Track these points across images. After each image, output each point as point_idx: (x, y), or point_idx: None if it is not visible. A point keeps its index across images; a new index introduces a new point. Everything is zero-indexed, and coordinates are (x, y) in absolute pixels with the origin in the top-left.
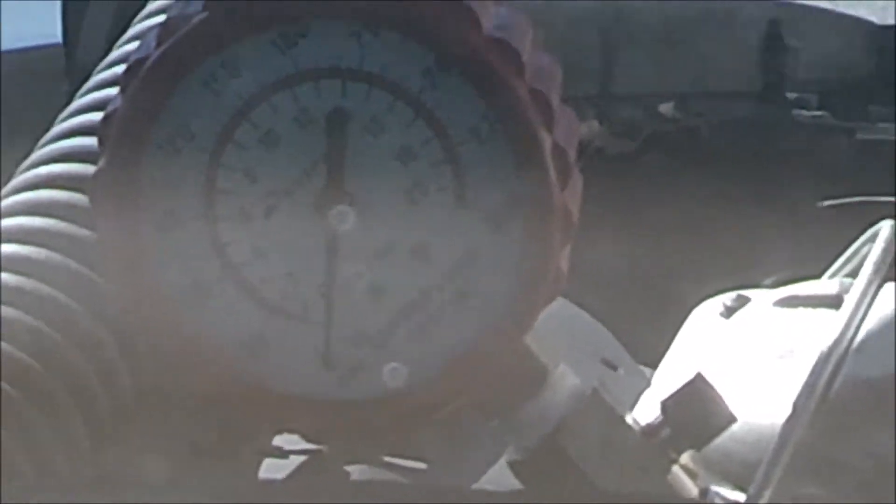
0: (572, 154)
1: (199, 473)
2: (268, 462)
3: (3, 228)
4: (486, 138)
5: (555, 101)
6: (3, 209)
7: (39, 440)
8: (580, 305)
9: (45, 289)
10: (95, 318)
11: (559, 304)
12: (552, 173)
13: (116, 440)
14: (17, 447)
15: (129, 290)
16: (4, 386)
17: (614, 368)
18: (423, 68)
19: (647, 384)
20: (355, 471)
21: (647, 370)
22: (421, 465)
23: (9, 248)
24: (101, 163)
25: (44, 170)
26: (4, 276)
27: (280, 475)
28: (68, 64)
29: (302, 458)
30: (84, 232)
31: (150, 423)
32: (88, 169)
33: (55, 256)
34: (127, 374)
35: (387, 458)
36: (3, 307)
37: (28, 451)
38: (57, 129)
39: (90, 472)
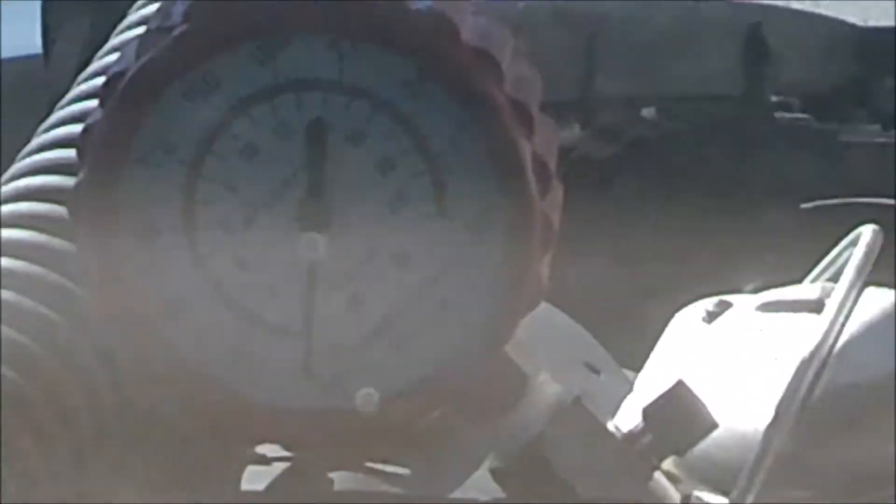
0: (552, 163)
1: (181, 484)
2: (250, 470)
3: None
4: (465, 148)
5: (534, 110)
6: None
7: (21, 457)
8: (562, 310)
9: (25, 301)
10: (77, 330)
11: (542, 307)
12: (532, 183)
13: (98, 455)
14: None
15: (109, 302)
16: None
17: (597, 372)
18: (403, 79)
19: (630, 388)
20: (338, 478)
21: (629, 373)
22: (404, 472)
23: None
24: (81, 175)
25: (23, 182)
26: None
27: (262, 484)
28: (48, 75)
29: (284, 465)
30: (65, 244)
31: (132, 436)
32: (69, 181)
33: (36, 268)
34: (108, 387)
35: (369, 465)
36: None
37: (9, 467)
38: (37, 141)
39: (72, 489)
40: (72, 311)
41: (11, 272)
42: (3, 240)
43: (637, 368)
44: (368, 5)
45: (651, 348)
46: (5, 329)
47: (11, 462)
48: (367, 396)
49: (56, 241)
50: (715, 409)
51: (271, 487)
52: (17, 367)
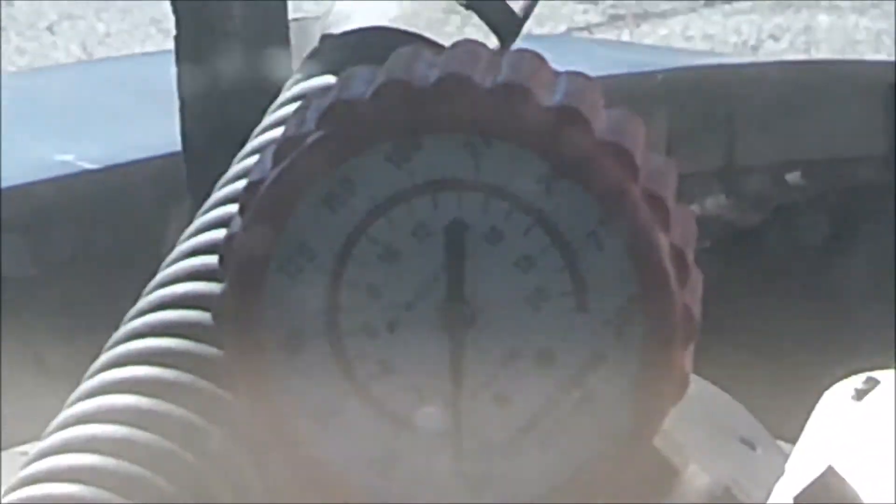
0: (690, 253)
1: None
2: None
3: (131, 352)
4: (603, 243)
5: (670, 201)
6: (131, 330)
7: None
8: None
9: (176, 409)
10: (228, 436)
11: (693, 381)
12: (671, 274)
13: None
14: None
15: (257, 412)
16: None
17: (752, 447)
18: (538, 176)
19: (784, 462)
20: None
21: (785, 446)
22: None
23: (139, 371)
24: (224, 285)
25: (169, 290)
26: (134, 398)
27: None
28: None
29: None
30: (213, 351)
31: None
32: (215, 288)
33: (185, 376)
34: (261, 493)
35: None
36: (135, 430)
37: None
38: (181, 247)
39: None
40: (224, 419)
41: (160, 380)
42: (151, 348)
43: (790, 441)
44: (499, 103)
45: (799, 424)
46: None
47: None
48: None
49: (204, 348)
50: (867, 492)
51: None
52: (171, 477)
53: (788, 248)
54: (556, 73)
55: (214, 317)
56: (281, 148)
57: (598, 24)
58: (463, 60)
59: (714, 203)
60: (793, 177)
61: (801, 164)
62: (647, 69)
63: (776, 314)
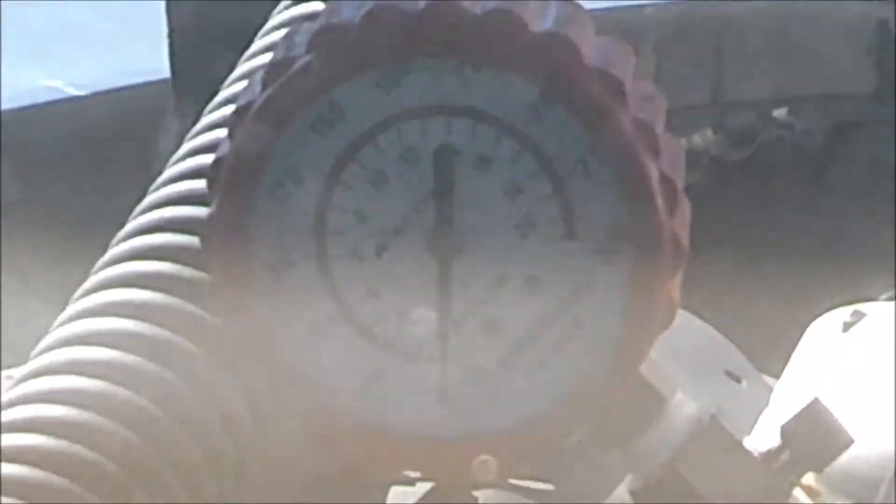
0: (679, 182)
1: None
2: (395, 490)
3: (118, 275)
4: (592, 170)
5: (659, 129)
6: (119, 254)
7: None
8: (699, 316)
9: (162, 332)
10: (213, 360)
11: (680, 315)
12: (659, 202)
13: (238, 481)
14: None
15: (243, 335)
16: (111, 464)
17: (738, 380)
18: (527, 102)
19: (769, 396)
20: (483, 495)
21: (768, 379)
22: (548, 487)
23: (125, 294)
24: (213, 208)
25: (157, 213)
26: (120, 321)
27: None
28: (177, 101)
29: (428, 485)
30: (199, 275)
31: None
32: (201, 212)
33: (172, 300)
34: (249, 413)
35: (513, 481)
36: (121, 353)
37: None
38: (169, 172)
39: None
40: (209, 341)
41: (147, 304)
42: (136, 273)
43: (774, 375)
44: (489, 29)
45: (785, 356)
46: (143, 361)
47: None
48: (483, 464)
49: (191, 272)
50: (853, 422)
51: None
52: (153, 397)
53: (773, 184)
54: (546, 1)
55: (202, 240)
56: (270, 72)
57: None
58: None
59: (700, 138)
60: (780, 113)
61: (788, 101)
62: (635, 3)
63: (761, 248)
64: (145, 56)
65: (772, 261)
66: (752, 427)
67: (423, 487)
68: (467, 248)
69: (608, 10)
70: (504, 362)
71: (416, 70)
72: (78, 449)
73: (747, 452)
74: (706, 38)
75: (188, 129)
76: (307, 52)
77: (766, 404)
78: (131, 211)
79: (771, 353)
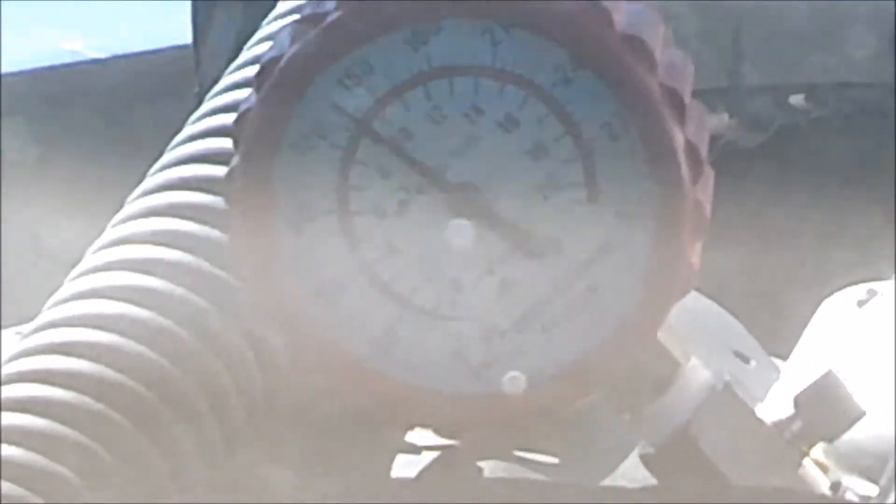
0: (704, 150)
1: (331, 471)
2: (401, 458)
3: (136, 232)
4: (618, 135)
5: (686, 97)
6: (136, 212)
7: (175, 442)
8: (712, 298)
9: (178, 290)
10: (229, 319)
11: (691, 296)
12: (684, 169)
13: (249, 440)
14: (152, 448)
15: (263, 288)
16: (141, 388)
17: (747, 361)
18: (556, 65)
19: (778, 376)
20: (487, 467)
21: (778, 361)
22: (553, 460)
23: (144, 251)
24: (235, 162)
25: (176, 171)
26: (139, 277)
27: (412, 472)
28: (198, 65)
29: (434, 454)
30: (217, 233)
31: (283, 423)
32: (222, 170)
33: (189, 258)
34: (258, 373)
35: (518, 454)
36: (140, 309)
37: (164, 452)
38: (189, 130)
39: (223, 474)
40: (225, 301)
41: (166, 263)
42: (157, 229)
43: (782, 356)
44: None
45: (795, 336)
46: (159, 318)
47: (164, 448)
48: (513, 380)
49: (208, 230)
50: (864, 396)
51: (422, 475)
52: (168, 355)
53: (788, 169)
54: None
55: (223, 192)
56: (299, 26)
57: None
58: None
59: (717, 122)
60: (796, 99)
61: (805, 87)
62: None
63: (774, 233)
64: (166, 20)
65: (785, 246)
66: (760, 404)
67: (429, 456)
68: (488, 208)
69: None
70: (520, 323)
71: (446, 29)
72: (103, 370)
73: (760, 420)
74: (724, 23)
75: (209, 90)
76: (336, 9)
77: (774, 384)
78: (147, 171)
79: (782, 335)
